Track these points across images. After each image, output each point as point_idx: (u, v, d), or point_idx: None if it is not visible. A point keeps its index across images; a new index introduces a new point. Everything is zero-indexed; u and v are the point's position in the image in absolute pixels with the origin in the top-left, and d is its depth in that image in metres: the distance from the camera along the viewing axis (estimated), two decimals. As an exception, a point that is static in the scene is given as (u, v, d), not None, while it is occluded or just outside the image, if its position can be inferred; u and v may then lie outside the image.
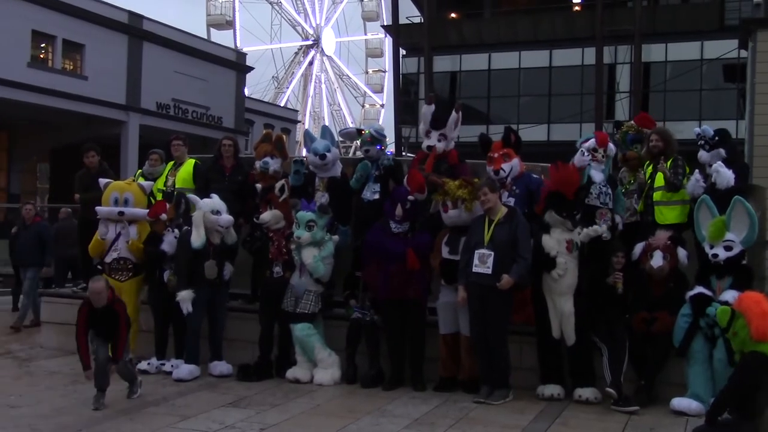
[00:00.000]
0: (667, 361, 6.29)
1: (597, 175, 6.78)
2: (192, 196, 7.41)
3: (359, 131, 7.86)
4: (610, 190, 6.78)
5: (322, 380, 6.86)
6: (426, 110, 7.50)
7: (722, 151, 6.92)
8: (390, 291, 6.71)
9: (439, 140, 7.31)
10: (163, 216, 7.43)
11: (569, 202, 6.36)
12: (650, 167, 7.06)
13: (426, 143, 7.37)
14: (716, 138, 7.01)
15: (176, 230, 7.31)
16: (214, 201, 7.21)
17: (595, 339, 6.35)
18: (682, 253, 6.45)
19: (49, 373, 7.34)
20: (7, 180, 29.59)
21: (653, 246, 6.42)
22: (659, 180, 6.84)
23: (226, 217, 7.13)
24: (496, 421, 5.79)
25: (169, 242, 7.29)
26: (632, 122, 7.65)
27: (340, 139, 9.24)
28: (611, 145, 7.03)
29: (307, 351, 6.96)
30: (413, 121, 32.40)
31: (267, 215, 7.17)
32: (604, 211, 6.59)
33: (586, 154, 6.85)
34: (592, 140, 6.94)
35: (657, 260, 6.37)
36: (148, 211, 7.58)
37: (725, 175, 6.60)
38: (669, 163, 6.83)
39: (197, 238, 7.03)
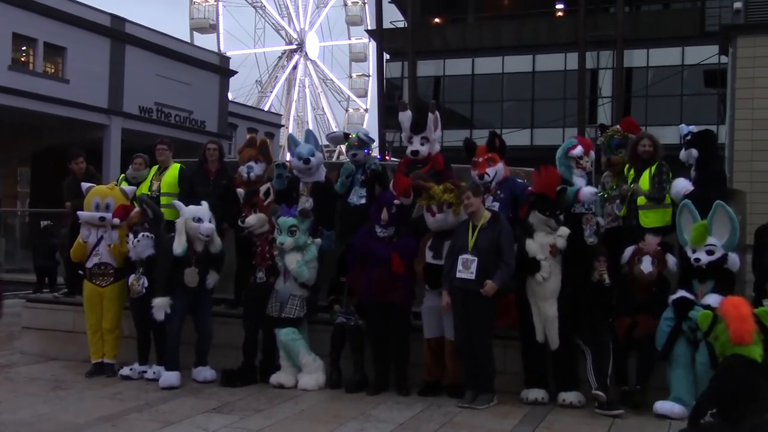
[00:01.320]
0: (653, 364, 6.32)
1: (580, 181, 6.81)
2: (177, 203, 7.36)
3: (346, 135, 7.84)
4: (597, 198, 6.81)
5: (306, 385, 6.84)
6: (403, 117, 7.53)
7: (694, 152, 6.99)
8: (374, 295, 6.71)
9: (422, 144, 7.32)
10: (115, 220, 7.34)
11: (552, 202, 6.39)
12: (632, 171, 7.09)
13: (410, 149, 7.38)
14: (688, 137, 7.09)
15: (140, 236, 7.19)
16: (197, 208, 7.16)
17: (578, 342, 6.38)
18: (671, 260, 6.49)
19: (30, 380, 7.27)
20: (-13, 184, 29.35)
21: (643, 251, 6.45)
22: (644, 184, 6.88)
23: (207, 226, 7.07)
24: (480, 426, 5.80)
25: (131, 248, 7.22)
26: (617, 127, 7.69)
27: (326, 143, 9.22)
28: (592, 153, 7.09)
29: (292, 356, 6.94)
30: (397, 126, 32.37)
31: (252, 219, 7.14)
32: (589, 216, 6.62)
33: (573, 164, 6.86)
34: (580, 148, 6.93)
35: (646, 265, 6.40)
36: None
37: (676, 186, 6.68)
38: (654, 168, 6.87)
39: (178, 245, 6.99)
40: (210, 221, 7.13)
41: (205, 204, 7.26)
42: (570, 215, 6.56)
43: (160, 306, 6.94)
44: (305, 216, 6.99)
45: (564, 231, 6.34)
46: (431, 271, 6.66)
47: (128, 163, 8.93)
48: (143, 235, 7.18)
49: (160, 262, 7.11)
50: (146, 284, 7.19)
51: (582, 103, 28.49)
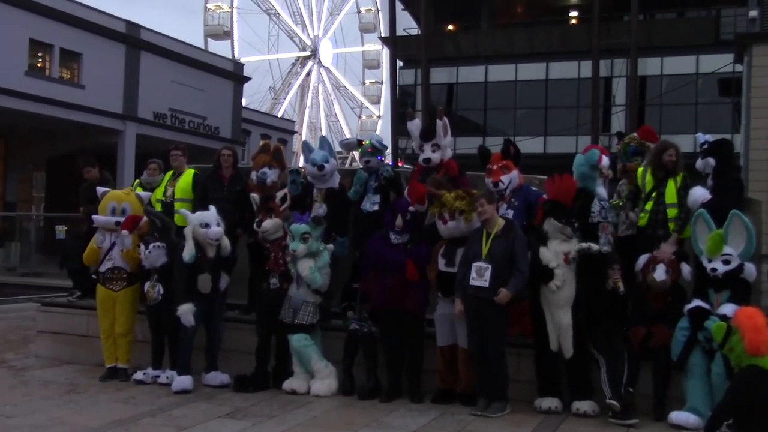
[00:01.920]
0: (669, 374, 6.27)
1: (602, 192, 6.75)
2: (183, 211, 7.38)
3: (360, 142, 7.84)
4: (610, 209, 6.77)
5: (318, 391, 6.84)
6: (412, 126, 7.54)
7: (711, 161, 6.95)
8: (388, 301, 6.70)
9: (433, 151, 7.32)
10: (124, 232, 7.36)
11: (568, 209, 6.37)
12: (649, 177, 7.02)
13: (422, 157, 7.37)
14: (705, 146, 7.05)
15: (151, 246, 7.20)
16: (204, 214, 7.17)
17: (593, 351, 6.34)
18: (686, 269, 6.45)
19: (44, 383, 7.30)
20: (3, 189, 29.54)
21: (657, 259, 6.42)
22: (670, 196, 6.82)
23: (215, 230, 7.07)
24: (493, 434, 5.78)
25: (144, 258, 7.25)
26: (635, 134, 7.66)
27: (339, 149, 9.24)
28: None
29: (304, 362, 6.94)
30: (410, 133, 32.50)
31: (268, 223, 7.15)
32: (605, 224, 6.58)
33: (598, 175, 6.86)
34: (606, 158, 6.97)
35: (660, 274, 6.36)
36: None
37: (693, 195, 6.64)
38: (680, 180, 6.84)
39: (186, 253, 7.00)
40: (218, 225, 7.13)
41: (212, 208, 7.26)
42: (586, 224, 6.52)
43: (187, 312, 6.96)
44: (318, 223, 6.99)
45: (591, 246, 6.30)
46: (444, 278, 6.65)
47: (142, 168, 8.98)
48: (154, 246, 7.20)
49: (177, 269, 7.13)
50: (162, 291, 7.22)
51: (596, 112, 28.40)
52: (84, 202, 8.79)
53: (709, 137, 7.23)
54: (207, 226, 7.07)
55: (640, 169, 7.17)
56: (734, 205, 6.41)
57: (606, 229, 6.54)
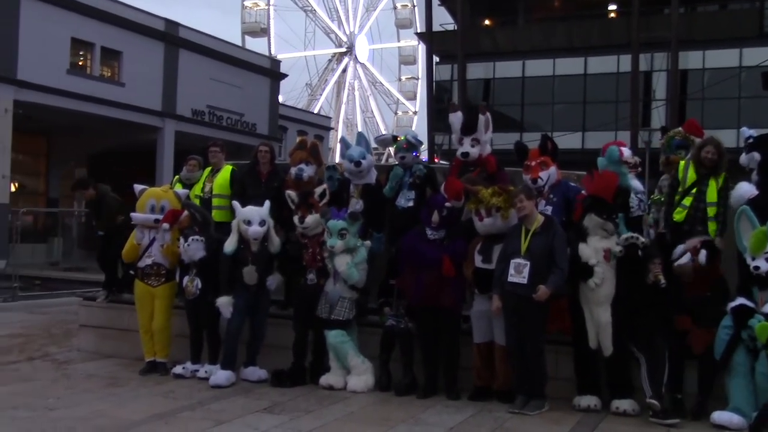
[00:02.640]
0: (714, 373, 6.15)
1: (637, 185, 6.69)
2: (235, 203, 7.46)
3: (395, 138, 7.82)
4: (646, 200, 6.70)
5: (355, 387, 6.85)
6: (453, 118, 7.47)
7: (756, 155, 6.79)
8: (424, 298, 6.68)
9: (472, 145, 7.27)
10: (165, 226, 7.44)
11: (609, 205, 6.29)
12: (691, 172, 6.89)
13: (460, 150, 7.33)
14: (750, 140, 6.89)
15: (190, 239, 7.28)
16: (247, 211, 7.23)
17: (633, 349, 6.25)
18: (702, 254, 6.30)
19: (86, 376, 7.43)
20: (46, 185, 30.13)
21: (685, 249, 6.32)
22: (712, 195, 6.68)
23: (254, 229, 7.12)
24: (531, 432, 5.73)
25: (183, 251, 7.33)
26: (680, 128, 7.54)
27: (375, 146, 9.21)
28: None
29: (341, 357, 6.95)
30: (446, 129, 32.36)
31: (311, 219, 7.17)
32: (645, 217, 6.51)
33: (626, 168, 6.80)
34: (629, 150, 6.88)
35: (683, 259, 6.27)
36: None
37: (738, 190, 6.47)
38: (722, 179, 6.69)
39: (228, 245, 7.12)
40: (261, 224, 7.17)
41: (266, 204, 7.29)
42: (629, 221, 6.44)
43: (225, 304, 7.05)
44: (355, 219, 7.00)
45: (628, 233, 6.23)
46: (480, 275, 6.61)
47: (181, 165, 9.07)
48: (193, 239, 7.28)
49: (221, 262, 7.21)
50: (200, 285, 7.30)
51: (635, 106, 28.02)
52: (101, 224, 8.93)
53: (755, 132, 7.07)
54: (249, 223, 7.13)
55: (682, 163, 7.04)
56: None
57: (646, 222, 6.45)
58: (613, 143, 7.04)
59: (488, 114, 7.37)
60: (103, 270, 9.08)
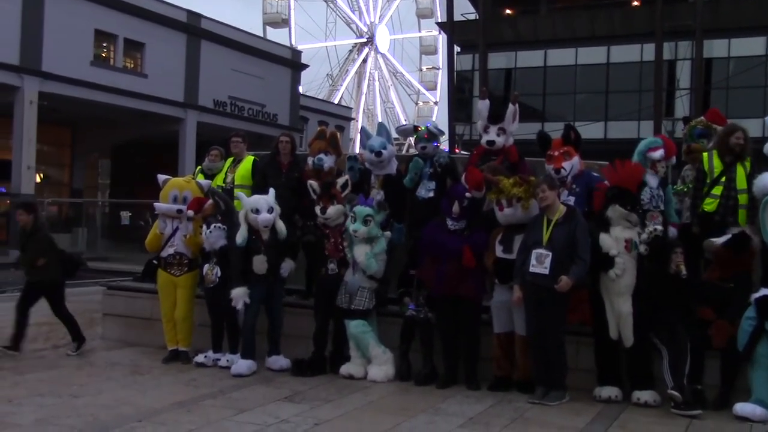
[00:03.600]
0: (737, 365, 6.11)
1: (652, 180, 6.56)
2: (240, 194, 7.49)
3: (415, 128, 7.79)
4: (662, 193, 6.58)
5: (375, 377, 6.87)
6: (481, 105, 7.42)
7: None
8: (444, 288, 6.68)
9: (498, 135, 7.24)
10: (190, 213, 7.50)
11: (633, 196, 6.24)
12: (716, 161, 6.81)
13: (485, 138, 7.28)
14: None
15: (212, 227, 7.34)
16: (255, 200, 7.25)
17: (654, 341, 6.21)
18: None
19: (110, 364, 7.52)
20: (70, 176, 30.47)
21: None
22: (741, 181, 6.60)
23: (263, 217, 7.14)
24: (551, 422, 5.71)
25: (205, 238, 7.38)
26: (702, 117, 7.44)
27: (396, 136, 9.18)
28: (673, 160, 6.85)
29: (362, 347, 6.98)
30: (467, 119, 32.31)
31: (332, 210, 7.19)
32: (655, 213, 6.38)
33: (648, 164, 6.60)
34: (661, 151, 6.63)
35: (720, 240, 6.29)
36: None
37: (763, 180, 6.36)
38: (748, 164, 6.62)
39: (238, 236, 7.15)
40: (269, 211, 7.18)
41: (271, 192, 7.33)
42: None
43: (239, 296, 7.09)
44: (382, 208, 7.01)
45: (656, 228, 6.20)
46: (501, 265, 6.59)
47: (203, 155, 9.12)
48: (215, 227, 7.33)
49: (233, 253, 7.25)
50: (219, 274, 7.35)
51: (658, 96, 27.69)
52: (24, 259, 8.07)
53: None
54: (257, 211, 7.17)
55: (705, 153, 6.96)
56: None
57: (655, 218, 6.34)
58: (661, 137, 6.86)
59: (517, 106, 7.33)
60: (65, 323, 8.19)
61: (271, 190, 7.38)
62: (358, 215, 6.96)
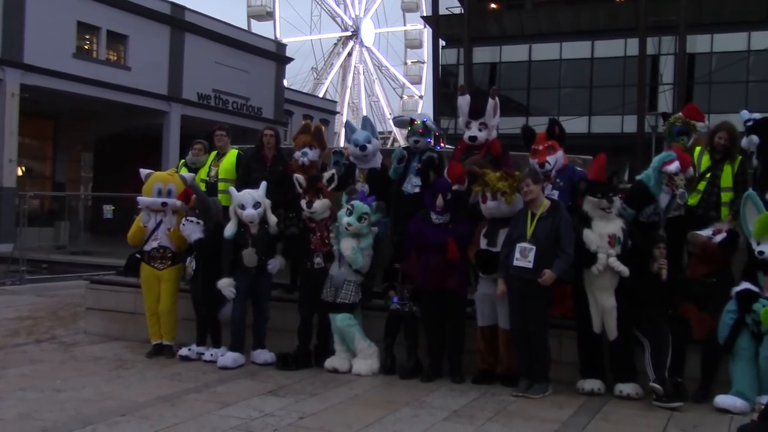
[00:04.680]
0: (718, 358, 6.17)
1: (664, 199, 6.51)
2: (231, 189, 7.48)
3: (412, 120, 7.72)
4: (663, 212, 6.56)
5: (360, 370, 6.88)
6: (462, 101, 7.43)
7: (755, 138, 6.79)
8: (429, 281, 6.70)
9: (479, 129, 7.25)
10: (178, 203, 7.51)
11: (602, 184, 6.28)
12: (706, 158, 6.87)
13: (467, 134, 7.31)
14: (749, 123, 6.88)
15: (184, 219, 7.38)
16: (241, 195, 7.24)
17: (637, 334, 6.26)
18: (721, 236, 6.36)
19: (93, 359, 7.48)
20: (53, 169, 30.20)
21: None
22: (726, 179, 6.66)
23: (248, 213, 7.13)
24: (535, 415, 5.75)
25: (187, 230, 7.38)
26: (680, 114, 7.48)
27: (382, 130, 9.16)
28: (690, 170, 6.67)
29: (348, 341, 6.99)
30: (452, 113, 32.32)
31: (318, 204, 7.19)
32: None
33: (664, 180, 6.48)
34: (677, 164, 6.44)
35: (704, 232, 6.35)
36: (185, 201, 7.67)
37: None
38: (737, 163, 6.67)
39: (228, 229, 7.18)
40: (255, 206, 7.17)
41: (262, 186, 7.32)
42: (637, 223, 6.41)
43: (224, 286, 7.11)
44: (380, 210, 7.02)
45: (623, 270, 6.15)
46: (484, 256, 6.60)
47: (187, 149, 9.08)
48: (187, 219, 7.35)
49: (223, 245, 7.25)
50: (195, 267, 7.35)
51: (642, 90, 27.88)
52: None
53: (757, 115, 7.06)
54: (243, 207, 7.17)
55: (697, 149, 7.02)
56: None
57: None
58: (678, 152, 6.62)
59: (497, 99, 7.34)
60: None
61: (263, 183, 7.36)
62: (355, 210, 6.94)
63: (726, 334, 6.03)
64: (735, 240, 6.43)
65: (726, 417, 5.75)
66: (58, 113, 28.65)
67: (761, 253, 6.07)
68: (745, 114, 7.14)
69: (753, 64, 29.20)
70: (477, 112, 7.27)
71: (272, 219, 7.30)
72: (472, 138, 7.23)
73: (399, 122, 8.75)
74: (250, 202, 7.18)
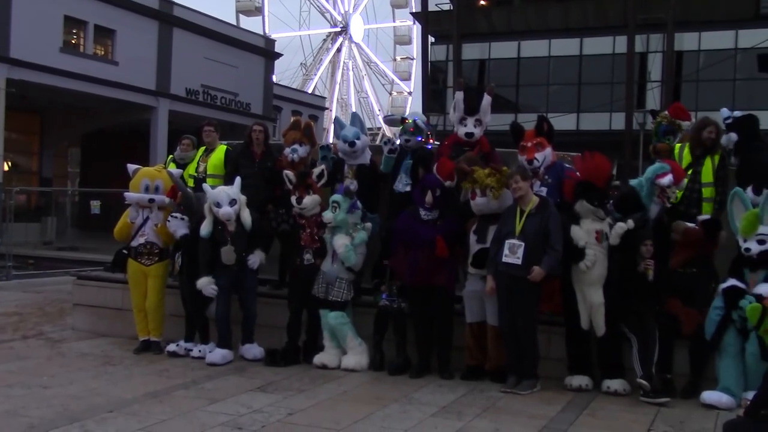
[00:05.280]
0: (706, 354, 6.21)
1: (654, 210, 6.50)
2: (206, 186, 7.44)
3: (403, 119, 7.71)
4: (650, 220, 6.57)
5: (349, 366, 6.88)
6: (458, 96, 7.42)
7: (733, 136, 6.84)
8: (418, 277, 6.70)
9: (475, 126, 7.26)
10: (167, 200, 7.48)
11: (600, 191, 6.30)
12: (686, 153, 6.90)
13: (464, 130, 7.26)
14: (728, 121, 6.94)
15: (169, 216, 7.35)
16: (216, 192, 7.16)
17: (624, 330, 6.29)
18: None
19: (80, 355, 7.45)
20: (39, 164, 29.99)
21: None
22: (707, 175, 6.70)
23: (224, 211, 7.06)
24: (523, 411, 5.77)
25: (173, 226, 7.35)
26: (666, 113, 7.50)
27: (371, 126, 9.14)
28: (683, 183, 6.64)
29: (340, 339, 6.98)
30: (441, 110, 32.35)
31: (308, 200, 7.16)
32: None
33: (656, 192, 6.44)
34: (670, 177, 6.39)
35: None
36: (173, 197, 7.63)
37: None
38: (717, 157, 6.73)
39: (203, 227, 7.13)
40: (231, 204, 7.09)
41: (237, 181, 7.25)
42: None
43: (204, 285, 7.08)
44: (348, 195, 7.00)
45: (620, 227, 6.21)
46: (482, 256, 6.58)
47: (175, 144, 9.04)
48: (172, 216, 7.33)
49: (200, 244, 7.21)
50: (181, 263, 7.32)
51: (630, 88, 27.93)
52: None
53: (738, 113, 7.11)
54: (218, 205, 7.10)
55: (677, 145, 7.06)
56: (750, 181, 6.39)
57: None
58: (672, 165, 6.57)
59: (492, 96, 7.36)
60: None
61: (237, 179, 7.30)
62: (329, 202, 6.97)
63: (713, 330, 6.08)
64: (718, 224, 6.47)
65: (712, 413, 5.80)
66: (45, 108, 28.44)
67: (747, 249, 6.11)
68: (724, 112, 7.20)
69: (740, 62, 29.37)
70: (473, 108, 7.26)
71: (246, 216, 7.21)
72: (469, 135, 7.23)
73: (390, 121, 8.78)
74: (226, 199, 7.12)
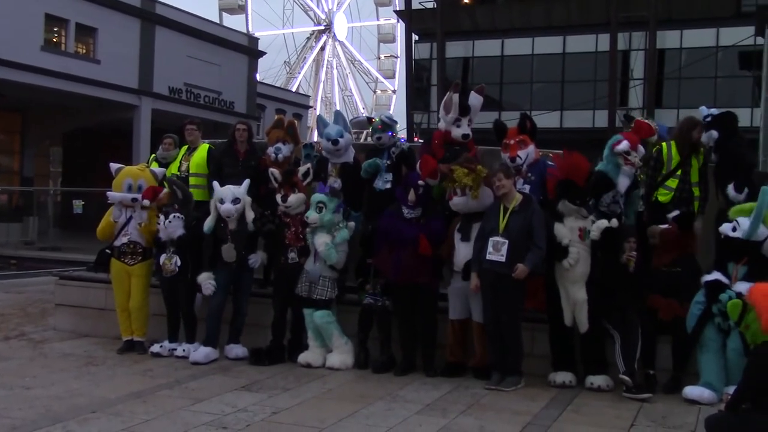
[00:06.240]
0: (688, 349, 6.26)
1: (623, 181, 6.57)
2: (215, 183, 7.43)
3: (369, 120, 7.80)
4: (622, 199, 6.64)
5: (333, 365, 6.88)
6: (455, 99, 7.36)
7: (714, 134, 6.91)
8: (401, 275, 6.71)
9: (468, 126, 7.27)
10: (146, 202, 7.43)
11: (581, 190, 6.33)
12: (674, 152, 6.96)
13: (459, 132, 7.21)
14: (708, 119, 7.01)
15: (171, 216, 7.27)
16: (222, 190, 7.22)
17: (607, 326, 6.33)
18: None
19: (62, 355, 7.39)
20: (20, 163, 29.72)
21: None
22: (694, 174, 6.77)
23: (225, 207, 7.11)
24: (507, 408, 5.80)
25: (162, 228, 7.30)
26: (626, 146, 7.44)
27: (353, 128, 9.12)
28: (641, 147, 6.75)
29: (326, 338, 6.98)
30: (425, 108, 32.42)
31: (293, 198, 7.16)
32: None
33: (621, 161, 6.55)
34: (626, 142, 6.57)
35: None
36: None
37: None
38: (701, 157, 6.81)
39: (206, 223, 7.18)
40: (234, 202, 7.15)
41: (243, 184, 7.29)
42: (598, 213, 6.45)
43: (204, 280, 7.10)
44: (334, 194, 7.00)
45: (602, 223, 6.25)
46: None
47: (158, 143, 8.99)
48: (174, 216, 7.27)
49: (205, 241, 7.23)
50: (179, 263, 7.28)
51: (613, 85, 28.15)
52: None
53: (715, 111, 7.18)
54: (222, 201, 7.15)
55: (665, 144, 7.10)
56: (730, 179, 6.51)
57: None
58: (624, 134, 6.77)
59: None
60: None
61: (246, 181, 7.31)
62: (312, 202, 6.97)
63: (694, 324, 6.12)
64: (688, 217, 6.53)
65: (694, 408, 5.84)
66: (26, 107, 28.17)
67: (721, 227, 6.18)
68: (704, 110, 7.26)
69: (721, 59, 29.61)
70: (467, 109, 7.26)
71: (250, 216, 7.26)
72: (466, 136, 7.21)
73: (357, 123, 8.77)
74: (230, 197, 7.16)
